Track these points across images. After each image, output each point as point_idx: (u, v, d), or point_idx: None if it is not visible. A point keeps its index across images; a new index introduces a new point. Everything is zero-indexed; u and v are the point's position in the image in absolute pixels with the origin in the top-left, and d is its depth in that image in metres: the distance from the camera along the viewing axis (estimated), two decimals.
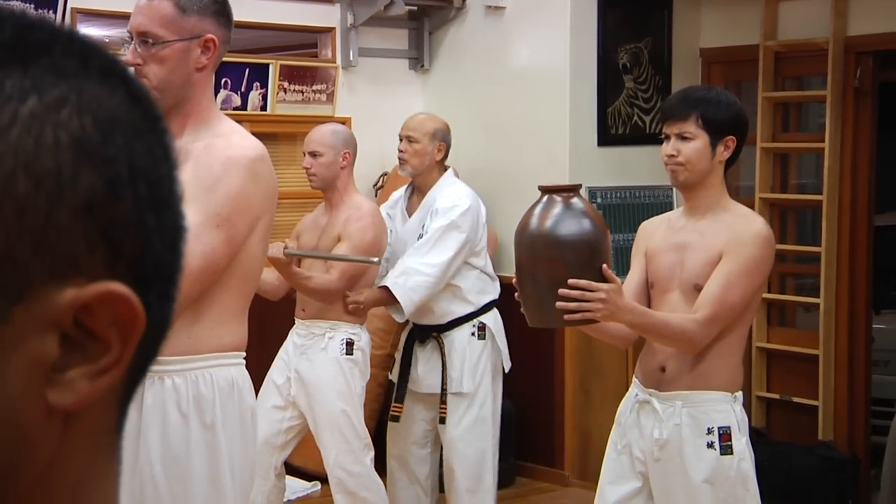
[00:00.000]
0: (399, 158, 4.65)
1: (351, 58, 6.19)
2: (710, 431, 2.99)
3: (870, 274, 5.75)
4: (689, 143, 3.01)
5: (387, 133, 6.34)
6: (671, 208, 5.80)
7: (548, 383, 5.82)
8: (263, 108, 5.91)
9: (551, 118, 5.83)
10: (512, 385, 5.68)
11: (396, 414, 4.66)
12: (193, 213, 2.33)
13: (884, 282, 6.20)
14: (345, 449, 4.40)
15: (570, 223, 2.83)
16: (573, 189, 2.92)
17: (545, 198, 2.90)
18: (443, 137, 4.66)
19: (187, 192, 2.41)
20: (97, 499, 0.66)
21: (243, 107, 5.85)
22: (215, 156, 2.45)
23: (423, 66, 6.48)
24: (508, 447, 5.72)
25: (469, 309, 4.63)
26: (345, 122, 6.21)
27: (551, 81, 5.91)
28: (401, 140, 4.65)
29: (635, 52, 6.09)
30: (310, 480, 5.88)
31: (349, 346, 4.41)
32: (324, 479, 5.83)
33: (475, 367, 4.61)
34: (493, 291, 4.75)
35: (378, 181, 6.39)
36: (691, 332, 2.92)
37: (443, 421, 4.56)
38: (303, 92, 6.04)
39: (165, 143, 0.67)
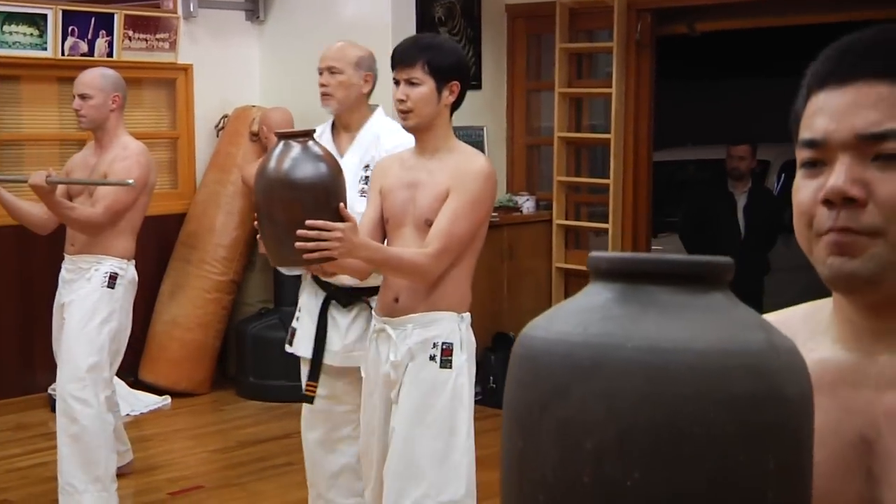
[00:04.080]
0: (322, 93, 3.71)
1: (191, 9, 6.17)
2: (434, 346, 2.94)
3: (650, 202, 6.06)
4: (417, 89, 2.93)
5: (226, 78, 6.38)
6: (483, 147, 6.02)
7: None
8: (109, 54, 5.83)
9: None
10: None
11: (311, 394, 3.69)
12: None
13: (660, 209, 6.54)
14: (75, 375, 4.17)
15: (307, 166, 2.70)
16: (308, 134, 2.79)
17: (282, 143, 2.74)
18: (369, 67, 3.75)
19: None
20: None
21: (90, 53, 5.76)
22: None
23: (258, 17, 6.51)
24: None
25: None
26: (186, 68, 6.21)
27: (375, 33, 5.98)
28: (321, 73, 3.72)
29: (449, 7, 6.23)
30: (160, 395, 5.91)
31: (112, 279, 4.22)
32: (174, 394, 5.90)
33: None
34: None
35: (219, 122, 6.41)
36: (423, 264, 2.86)
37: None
38: (147, 40, 5.97)
39: None
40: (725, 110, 8.99)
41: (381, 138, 3.59)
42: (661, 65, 6.08)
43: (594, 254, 0.80)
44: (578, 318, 0.76)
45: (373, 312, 3.11)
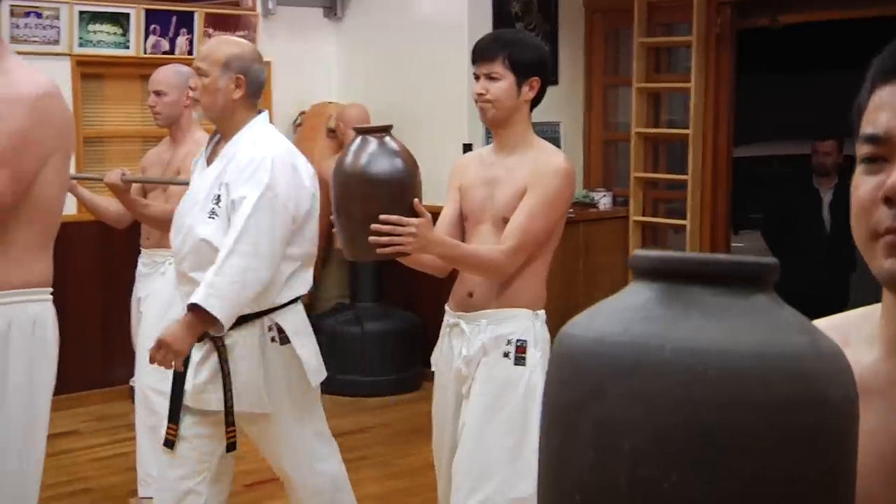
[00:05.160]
0: (191, 97, 3.23)
1: (270, 6, 6.22)
2: (508, 343, 2.93)
3: (729, 199, 5.98)
4: (497, 83, 2.91)
5: (304, 75, 6.46)
6: (558, 143, 6.00)
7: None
8: (190, 52, 5.93)
9: (452, 63, 5.96)
10: (419, 297, 5.87)
11: (171, 438, 3.25)
12: None
13: (742, 205, 6.44)
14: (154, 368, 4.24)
15: (383, 162, 2.70)
16: (385, 129, 2.79)
17: (359, 138, 2.76)
18: (242, 69, 3.15)
19: None
20: None
21: (171, 51, 5.86)
22: None
23: (336, 14, 6.56)
24: (413, 356, 5.91)
25: (259, 305, 3.16)
26: (265, 65, 6.27)
27: (451, 29, 6.00)
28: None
29: (526, 2, 6.20)
30: None
31: None
32: None
33: (269, 379, 3.23)
34: (300, 285, 3.26)
35: (297, 119, 6.47)
36: (497, 261, 2.86)
37: (232, 447, 3.26)
38: None
39: None
40: (810, 104, 8.83)
41: (240, 152, 3.09)
42: (742, 58, 5.99)
43: (637, 253, 0.79)
44: (619, 318, 0.76)
45: (446, 307, 3.09)
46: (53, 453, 4.99)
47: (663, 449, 0.71)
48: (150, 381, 4.23)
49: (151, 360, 3.05)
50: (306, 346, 3.29)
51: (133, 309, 4.51)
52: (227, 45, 3.22)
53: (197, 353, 3.22)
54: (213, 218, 3.09)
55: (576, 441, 0.73)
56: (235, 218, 3.01)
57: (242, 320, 3.13)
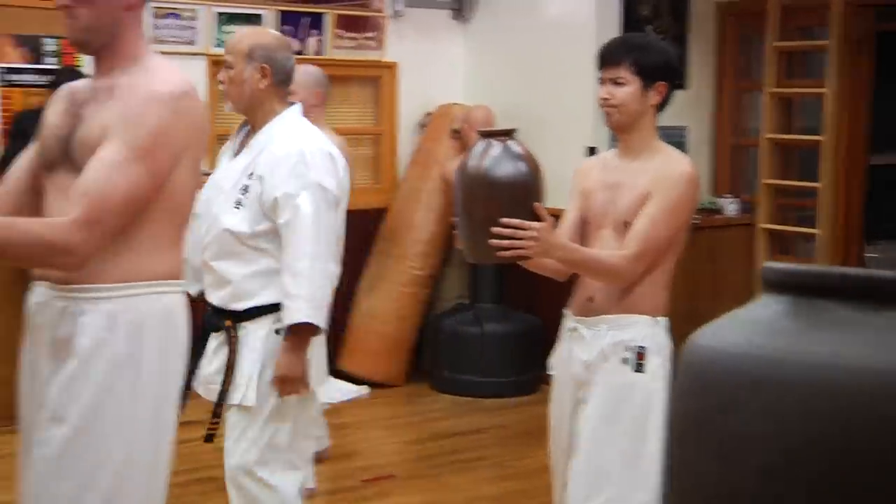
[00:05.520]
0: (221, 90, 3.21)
1: (398, 8, 6.29)
2: (628, 349, 2.90)
3: (863, 208, 5.80)
4: (622, 88, 2.89)
5: (430, 76, 6.52)
6: (684, 147, 5.90)
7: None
8: (319, 52, 6.04)
9: (578, 66, 5.90)
10: (540, 300, 5.85)
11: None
12: (117, 148, 2.26)
13: (882, 215, 6.24)
14: None
15: (506, 165, 2.70)
16: (509, 133, 2.79)
17: (483, 141, 2.77)
18: (266, 58, 3.12)
19: (112, 127, 2.30)
20: None
21: (301, 52, 5.97)
22: (138, 92, 2.32)
23: (463, 16, 6.59)
24: (532, 359, 5.90)
25: (276, 296, 3.08)
26: (392, 66, 6.36)
27: (579, 31, 5.97)
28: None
29: (656, 4, 6.12)
30: (358, 385, 6.08)
31: None
32: (371, 384, 6.07)
33: (263, 374, 3.12)
34: None
35: (422, 120, 6.53)
36: (619, 266, 2.84)
37: (209, 439, 3.21)
38: (355, 38, 6.15)
39: None
40: None
41: (272, 143, 3.10)
42: (882, 63, 5.79)
43: (767, 264, 0.77)
44: (748, 330, 0.74)
45: (566, 311, 3.09)
46: (177, 442, 5.14)
47: (793, 466, 0.68)
48: None
49: (282, 395, 3.13)
50: (313, 345, 3.20)
51: None
52: (252, 35, 3.20)
53: (212, 343, 3.23)
54: (238, 208, 3.09)
55: (700, 453, 0.72)
56: (296, 221, 3.02)
57: (259, 312, 3.13)
